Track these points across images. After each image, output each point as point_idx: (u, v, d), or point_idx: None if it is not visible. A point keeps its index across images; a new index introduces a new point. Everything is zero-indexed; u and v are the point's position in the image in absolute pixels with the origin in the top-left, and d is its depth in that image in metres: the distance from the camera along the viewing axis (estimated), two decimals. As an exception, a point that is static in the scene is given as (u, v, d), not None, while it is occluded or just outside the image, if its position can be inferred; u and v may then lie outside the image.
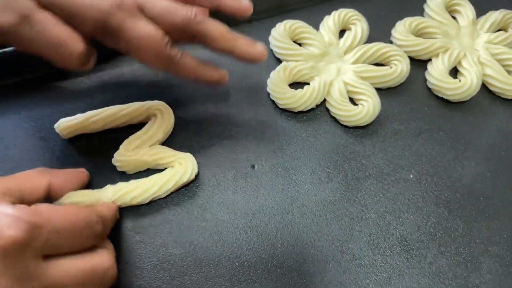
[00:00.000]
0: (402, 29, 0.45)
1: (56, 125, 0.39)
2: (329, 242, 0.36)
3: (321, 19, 0.46)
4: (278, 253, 0.35)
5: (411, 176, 0.39)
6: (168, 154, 0.38)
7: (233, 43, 0.36)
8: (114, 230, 0.35)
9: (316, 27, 0.46)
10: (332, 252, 0.36)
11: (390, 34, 0.46)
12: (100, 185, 0.37)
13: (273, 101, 0.42)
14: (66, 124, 0.39)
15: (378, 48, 0.43)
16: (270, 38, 0.45)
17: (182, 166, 0.37)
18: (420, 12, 0.47)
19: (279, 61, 0.44)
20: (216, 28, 0.36)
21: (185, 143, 0.40)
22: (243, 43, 0.36)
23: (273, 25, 0.45)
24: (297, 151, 0.40)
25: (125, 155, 0.38)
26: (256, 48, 0.37)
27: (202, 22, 0.35)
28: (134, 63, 0.44)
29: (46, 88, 0.43)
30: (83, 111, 0.39)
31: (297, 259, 0.35)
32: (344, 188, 0.38)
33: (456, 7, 0.46)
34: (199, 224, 0.36)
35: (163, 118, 0.39)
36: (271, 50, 0.45)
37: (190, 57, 0.36)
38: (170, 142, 0.40)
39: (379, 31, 0.46)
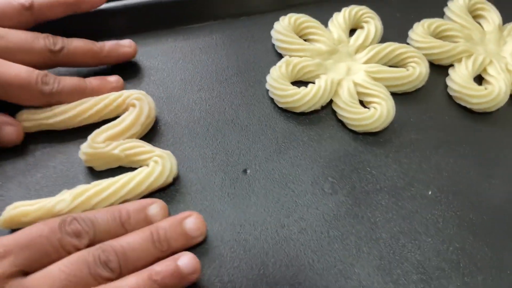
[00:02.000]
0: (420, 30, 0.40)
1: (17, 114, 0.33)
2: (331, 264, 0.30)
3: (329, 17, 0.41)
4: (269, 274, 0.29)
5: (430, 192, 0.33)
6: (144, 150, 0.32)
7: (100, 54, 0.36)
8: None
9: (324, 24, 0.41)
10: (334, 276, 0.29)
11: (406, 36, 0.41)
12: (65, 186, 0.31)
13: (272, 100, 0.37)
14: (30, 116, 0.33)
15: (393, 48, 0.38)
16: (273, 32, 0.40)
17: (158, 165, 0.31)
18: (439, 15, 0.43)
19: (281, 57, 0.39)
20: (80, 47, 0.35)
21: (167, 140, 0.35)
22: (109, 48, 0.36)
23: (276, 20, 0.40)
24: (297, 156, 0.34)
25: (93, 147, 0.32)
26: (123, 46, 0.37)
27: (64, 47, 0.34)
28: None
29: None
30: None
31: (291, 282, 0.29)
32: (351, 202, 0.32)
33: (480, 12, 0.42)
34: (175, 234, 0.30)
35: (142, 109, 0.34)
36: (273, 45, 0.40)
37: (68, 80, 0.34)
38: (149, 138, 0.34)
39: (394, 33, 0.41)
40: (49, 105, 0.33)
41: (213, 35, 0.41)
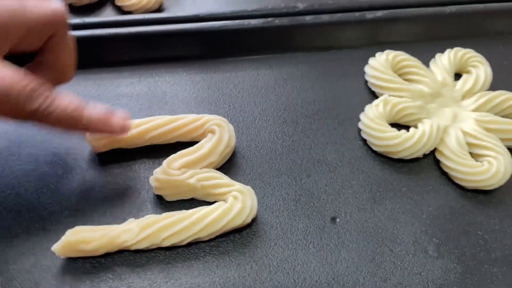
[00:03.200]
0: (537, 80, 0.35)
1: (87, 134, 0.30)
2: None
3: (430, 58, 0.37)
4: None
5: (558, 270, 0.27)
6: (223, 182, 0.28)
7: (80, 122, 0.26)
8: (139, 275, 0.25)
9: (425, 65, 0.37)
10: None
11: (516, 87, 0.36)
12: (130, 215, 0.28)
13: (365, 141, 0.32)
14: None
15: (507, 97, 0.34)
16: (367, 68, 0.36)
17: (238, 202, 0.27)
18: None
19: (374, 95, 0.35)
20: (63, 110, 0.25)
21: (245, 174, 0.31)
22: (95, 120, 0.26)
23: (370, 56, 0.37)
24: (394, 209, 0.29)
25: (168, 173, 0.28)
26: (113, 122, 0.27)
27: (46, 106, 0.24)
28: (192, 68, 0.36)
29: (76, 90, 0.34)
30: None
31: None
32: (461, 271, 0.27)
33: None
34: (251, 286, 0.26)
35: (222, 136, 0.30)
36: (365, 83, 0.36)
37: (65, 102, 0.25)
38: (225, 170, 0.30)
39: (502, 81, 0.37)
40: (31, 120, 0.24)
41: (299, 66, 0.37)
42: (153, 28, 0.36)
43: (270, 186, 0.30)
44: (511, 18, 0.41)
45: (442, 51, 0.37)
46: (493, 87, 0.36)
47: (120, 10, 0.40)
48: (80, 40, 0.34)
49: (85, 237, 0.25)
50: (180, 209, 0.28)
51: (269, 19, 0.38)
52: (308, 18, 0.38)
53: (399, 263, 0.27)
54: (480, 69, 0.35)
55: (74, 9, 0.40)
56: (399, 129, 0.32)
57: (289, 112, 0.34)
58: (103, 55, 0.36)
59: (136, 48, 0.36)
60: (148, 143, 0.31)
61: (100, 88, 0.34)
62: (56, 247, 0.25)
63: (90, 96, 0.34)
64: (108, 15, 0.40)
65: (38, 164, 0.30)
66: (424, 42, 0.39)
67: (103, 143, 0.30)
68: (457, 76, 0.37)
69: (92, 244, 0.25)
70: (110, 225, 0.26)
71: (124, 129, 0.27)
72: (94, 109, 0.26)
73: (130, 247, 0.26)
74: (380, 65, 0.35)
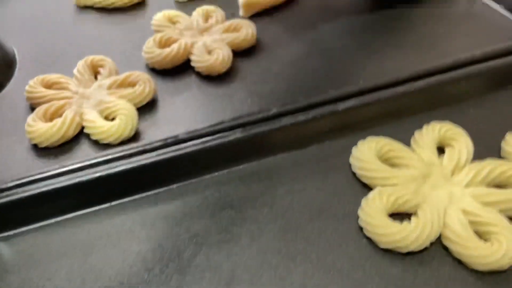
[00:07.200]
0: (517, 141, 0.36)
1: None
2: None
3: (407, 136, 0.38)
4: None
5: None
6: None
7: None
8: None
9: (403, 143, 0.37)
10: None
11: (497, 151, 0.37)
12: None
13: (369, 239, 0.32)
14: None
15: (494, 166, 0.34)
16: (352, 159, 0.36)
17: None
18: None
19: (365, 186, 0.35)
20: None
21: None
22: None
23: (352, 143, 0.37)
24: (417, 309, 0.28)
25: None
26: None
27: None
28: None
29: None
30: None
31: None
32: None
33: None
34: None
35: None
36: (354, 174, 0.36)
37: None
38: None
39: (483, 148, 0.37)
40: None
41: (285, 168, 0.37)
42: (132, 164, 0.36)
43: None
44: (473, 81, 0.43)
45: (419, 126, 0.38)
46: (477, 153, 0.36)
47: (97, 144, 0.39)
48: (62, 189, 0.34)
49: None
50: None
51: (246, 127, 0.38)
52: (283, 120, 0.39)
53: None
54: (461, 142, 0.36)
55: (46, 151, 0.39)
56: (399, 218, 0.32)
57: (288, 223, 0.34)
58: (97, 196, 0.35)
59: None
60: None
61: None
62: None
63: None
64: (88, 152, 0.38)
65: None
66: (399, 120, 0.40)
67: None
68: (440, 150, 0.37)
69: None
70: None
71: None
72: None
73: None
74: (364, 156, 0.35)
